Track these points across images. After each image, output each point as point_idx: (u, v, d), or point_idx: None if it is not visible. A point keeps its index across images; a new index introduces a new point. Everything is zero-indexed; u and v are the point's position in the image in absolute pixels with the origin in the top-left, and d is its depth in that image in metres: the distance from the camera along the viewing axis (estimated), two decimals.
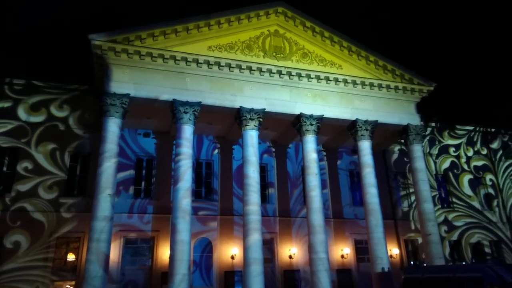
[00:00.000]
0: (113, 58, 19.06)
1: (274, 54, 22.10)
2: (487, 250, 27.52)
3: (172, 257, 17.27)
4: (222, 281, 21.18)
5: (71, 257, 19.74)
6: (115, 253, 19.44)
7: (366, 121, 22.51)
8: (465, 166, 29.75)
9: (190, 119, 19.37)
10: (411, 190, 25.97)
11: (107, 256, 16.52)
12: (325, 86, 22.46)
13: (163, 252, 20.43)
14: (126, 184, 21.49)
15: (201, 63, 20.24)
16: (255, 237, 18.62)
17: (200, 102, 19.71)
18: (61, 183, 20.44)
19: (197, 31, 20.63)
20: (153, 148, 22.89)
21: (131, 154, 22.29)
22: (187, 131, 19.27)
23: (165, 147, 22.83)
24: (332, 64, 23.15)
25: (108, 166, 17.51)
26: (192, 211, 18.95)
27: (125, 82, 19.00)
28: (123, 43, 19.06)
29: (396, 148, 27.97)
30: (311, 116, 21.51)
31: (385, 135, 24.82)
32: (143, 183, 22.27)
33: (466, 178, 29.37)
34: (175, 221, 17.72)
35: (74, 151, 21.30)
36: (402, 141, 24.89)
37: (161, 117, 21.11)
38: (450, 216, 27.58)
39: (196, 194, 22.58)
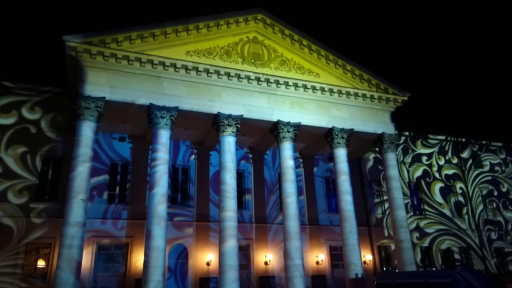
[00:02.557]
0: (88, 61, 18.73)
1: (252, 60, 22.23)
2: (457, 256, 28.33)
3: (146, 263, 17.00)
4: None
5: (41, 263, 19.14)
6: (87, 259, 18.99)
7: (342, 129, 22.87)
8: (437, 175, 30.61)
9: (166, 124, 19.20)
10: (385, 197, 26.48)
11: (79, 263, 16.11)
12: (303, 94, 22.73)
13: (137, 259, 20.08)
14: (100, 189, 21.06)
15: (178, 68, 20.15)
16: (231, 244, 18.56)
17: (177, 107, 19.58)
18: (31, 187, 19.84)
19: (175, 36, 20.54)
20: (129, 152, 22.54)
21: (106, 158, 21.88)
22: (164, 136, 19.09)
23: (141, 152, 22.52)
24: (310, 72, 23.47)
25: (82, 171, 17.13)
26: (168, 217, 18.75)
27: (100, 85, 18.68)
28: (99, 45, 18.77)
29: (371, 156, 28.53)
30: (288, 123, 21.70)
31: (360, 143, 25.29)
32: (117, 188, 21.86)
33: (437, 186, 30.22)
34: (150, 227, 17.47)
35: (46, 154, 20.73)
36: (377, 149, 25.39)
37: (137, 122, 20.84)
38: (422, 223, 28.28)
39: (172, 200, 22.35)
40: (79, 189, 16.79)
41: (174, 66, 20.04)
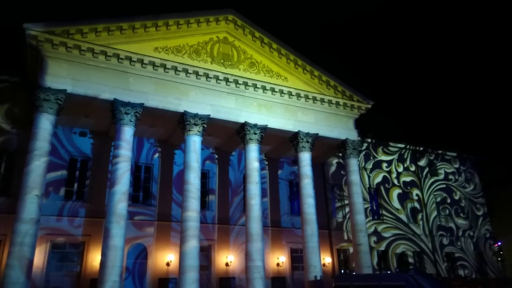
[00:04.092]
0: (49, 51, 17.97)
1: (222, 61, 22.16)
2: (411, 260, 29.49)
3: (103, 263, 16.51)
4: None
5: None
6: (40, 258, 18.17)
7: (307, 134, 23.25)
8: (395, 181, 31.75)
9: (131, 121, 18.75)
10: (346, 202, 27.12)
11: (30, 261, 15.40)
12: (271, 97, 22.91)
13: (94, 258, 19.45)
14: (56, 185, 20.22)
15: (146, 64, 19.75)
16: (192, 244, 18.38)
17: (143, 103, 19.17)
18: None
19: (144, 31, 20.13)
20: (90, 148, 21.79)
21: (65, 153, 21.05)
22: (127, 132, 18.62)
23: (103, 148, 21.83)
24: (278, 76, 23.70)
25: (37, 165, 16.39)
26: (128, 215, 18.31)
27: (62, 77, 17.97)
28: (62, 35, 18.04)
29: (334, 161, 29.16)
30: (255, 125, 21.79)
31: (324, 148, 25.79)
32: (75, 185, 21.09)
33: (395, 192, 31.35)
34: (109, 226, 16.97)
35: None
36: (340, 154, 26.01)
37: (100, 117, 20.21)
38: (380, 228, 29.21)
39: (133, 199, 21.81)
40: (34, 184, 16.05)
41: (141, 61, 19.62)
